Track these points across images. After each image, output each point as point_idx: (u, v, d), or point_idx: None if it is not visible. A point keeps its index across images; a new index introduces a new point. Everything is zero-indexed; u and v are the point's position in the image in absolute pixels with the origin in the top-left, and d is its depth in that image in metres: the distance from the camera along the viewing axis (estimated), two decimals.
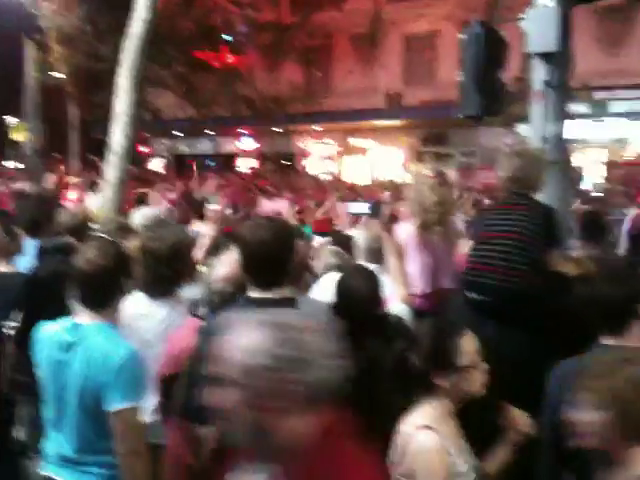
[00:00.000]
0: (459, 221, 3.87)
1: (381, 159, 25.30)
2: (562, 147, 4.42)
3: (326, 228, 6.41)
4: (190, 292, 3.16)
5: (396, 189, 17.03)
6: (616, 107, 19.27)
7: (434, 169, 3.68)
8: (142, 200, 8.06)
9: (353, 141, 25.32)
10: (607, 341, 2.38)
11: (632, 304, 2.34)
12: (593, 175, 20.85)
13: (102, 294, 2.63)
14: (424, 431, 2.12)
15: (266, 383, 1.34)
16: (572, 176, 19.98)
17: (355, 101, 23.03)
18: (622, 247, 9.14)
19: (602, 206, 14.97)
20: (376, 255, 3.38)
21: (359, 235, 3.53)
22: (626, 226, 9.57)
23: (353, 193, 14.30)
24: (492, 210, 3.51)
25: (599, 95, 18.73)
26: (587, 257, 4.05)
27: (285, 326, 1.40)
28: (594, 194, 17.38)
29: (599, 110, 19.28)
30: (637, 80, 18.43)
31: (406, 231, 3.66)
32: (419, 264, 3.59)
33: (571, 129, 18.60)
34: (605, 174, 20.82)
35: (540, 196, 3.48)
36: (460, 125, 19.50)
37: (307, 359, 1.35)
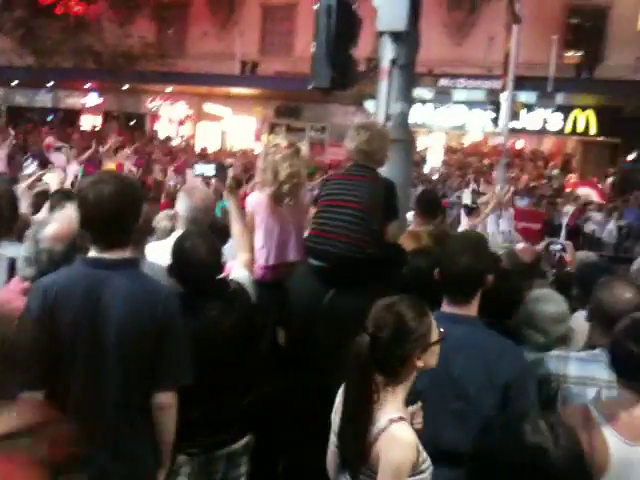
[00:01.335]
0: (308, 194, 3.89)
1: (234, 127, 25.02)
2: (406, 126, 4.60)
3: None
4: (13, 250, 2.90)
5: (244, 155, 16.92)
6: (458, 95, 20.45)
7: (289, 140, 3.67)
8: None
9: (207, 107, 24.78)
10: (449, 310, 2.47)
11: (476, 276, 2.48)
12: (434, 159, 22.10)
13: None
14: (399, 423, 1.98)
15: None
16: (414, 158, 21.04)
17: (210, 65, 22.48)
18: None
19: (441, 188, 16.00)
20: (201, 224, 3.25)
21: (181, 202, 3.37)
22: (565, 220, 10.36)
23: (203, 159, 14.04)
24: (335, 179, 3.56)
25: (443, 82, 19.75)
26: (423, 232, 4.28)
27: None
28: (434, 176, 18.48)
29: (443, 97, 20.34)
30: (478, 70, 19.66)
31: (256, 201, 3.63)
32: (268, 235, 3.58)
33: (416, 113, 19.40)
34: (444, 158, 22.16)
35: (382, 171, 3.59)
36: (314, 100, 19.77)
37: None
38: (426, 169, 20.32)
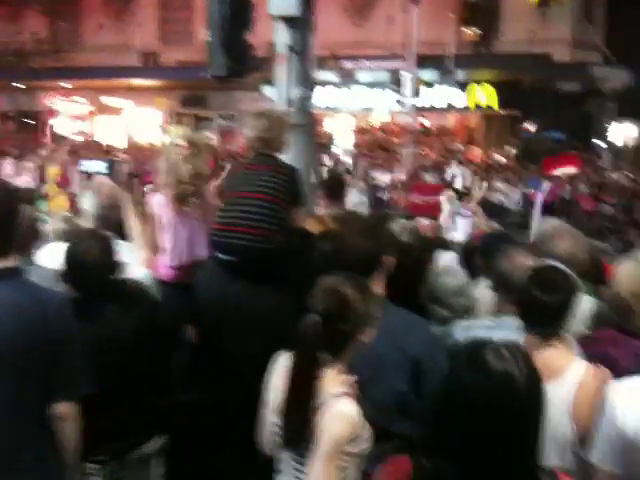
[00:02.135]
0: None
1: (137, 120, 24.30)
2: (307, 111, 4.58)
3: None
4: None
5: (138, 149, 16.51)
6: (362, 77, 20.65)
7: (187, 139, 3.59)
8: None
9: (106, 100, 23.93)
10: None
11: (370, 258, 2.50)
12: (343, 141, 22.28)
13: None
14: (342, 398, 2.04)
15: None
16: (322, 141, 21.16)
17: (108, 58, 21.73)
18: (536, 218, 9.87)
19: (353, 170, 16.15)
20: (109, 221, 3.16)
21: (87, 200, 3.26)
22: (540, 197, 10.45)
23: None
24: (240, 171, 3.51)
25: (347, 64, 19.88)
26: (330, 215, 4.27)
27: None
28: (344, 158, 18.62)
29: (347, 79, 20.50)
30: (380, 51, 19.91)
31: (160, 202, 3.53)
32: (176, 235, 3.49)
33: (322, 96, 19.49)
34: (354, 140, 22.36)
35: (285, 157, 3.56)
36: (220, 88, 19.47)
37: None
38: (335, 150, 20.46)
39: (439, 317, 2.87)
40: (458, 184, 12.79)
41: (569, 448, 2.17)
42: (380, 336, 2.33)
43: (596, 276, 3.26)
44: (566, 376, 2.18)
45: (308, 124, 4.40)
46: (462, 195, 7.50)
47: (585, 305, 2.99)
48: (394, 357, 2.39)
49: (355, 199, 9.56)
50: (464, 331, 2.58)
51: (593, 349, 2.63)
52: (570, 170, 6.45)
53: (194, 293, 3.34)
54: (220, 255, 3.28)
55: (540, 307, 2.19)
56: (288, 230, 3.32)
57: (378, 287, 2.49)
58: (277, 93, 4.56)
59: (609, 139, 21.01)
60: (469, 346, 1.59)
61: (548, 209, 8.52)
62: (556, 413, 2.10)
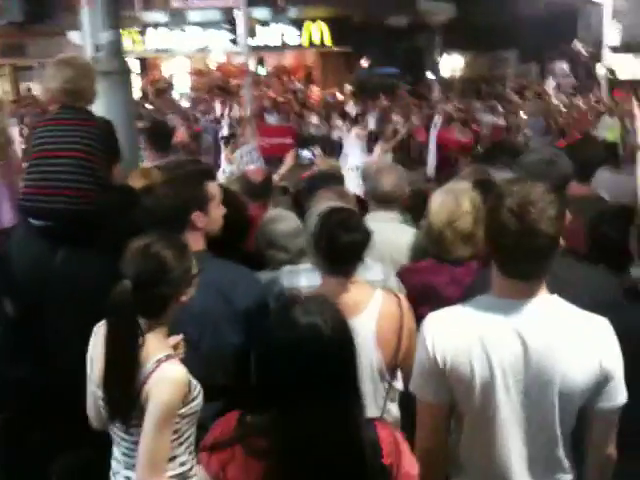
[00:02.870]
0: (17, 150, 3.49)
1: None
2: (119, 56, 4.27)
3: None
4: None
5: None
6: (194, 16, 19.89)
7: None
8: None
9: None
10: None
11: (187, 210, 2.40)
12: (181, 84, 21.53)
13: None
14: (167, 362, 1.95)
15: None
16: (161, 86, 20.32)
17: None
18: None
19: (190, 114, 15.67)
20: None
21: None
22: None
23: None
24: (44, 126, 3.21)
25: (176, 4, 19.02)
26: (154, 167, 4.08)
27: None
28: (183, 103, 18.03)
29: (177, 19, 19.66)
30: None
31: None
32: None
33: (154, 38, 18.55)
34: (190, 83, 21.68)
35: (97, 108, 3.31)
36: (39, 34, 17.93)
37: None
38: (175, 95, 19.74)
39: (277, 261, 2.87)
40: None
41: (378, 377, 2.28)
42: (206, 291, 2.28)
43: (419, 209, 3.40)
44: (368, 308, 2.27)
45: (121, 71, 4.12)
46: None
47: (406, 237, 3.13)
48: (222, 310, 2.36)
49: None
50: (290, 276, 2.59)
51: (414, 279, 2.76)
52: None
53: (7, 264, 3.08)
54: (33, 221, 3.03)
55: (342, 248, 2.22)
56: (107, 188, 3.13)
57: (196, 243, 2.41)
58: (83, 38, 4.20)
59: (439, 72, 22.00)
60: (281, 304, 1.68)
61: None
62: (364, 345, 2.18)
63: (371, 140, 9.81)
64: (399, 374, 2.39)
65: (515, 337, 1.76)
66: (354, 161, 8.23)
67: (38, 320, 3.01)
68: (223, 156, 7.93)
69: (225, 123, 12.22)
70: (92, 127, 3.11)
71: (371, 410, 2.25)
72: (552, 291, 1.82)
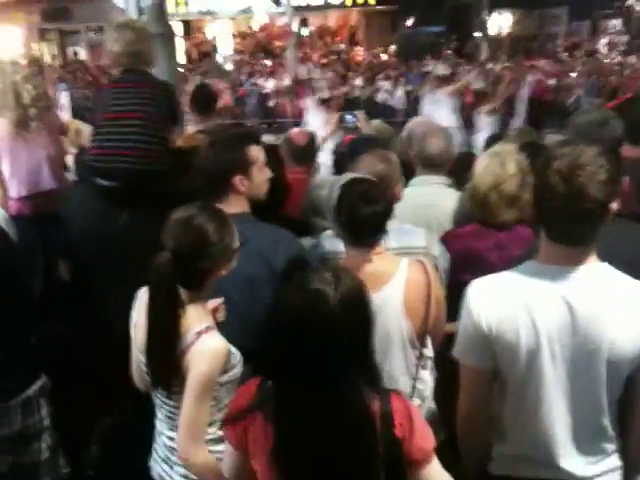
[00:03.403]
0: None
1: None
2: (162, 19, 4.27)
3: None
4: None
5: None
6: None
7: (27, 56, 3.28)
8: None
9: None
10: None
11: (228, 173, 2.41)
12: (224, 47, 21.44)
13: None
14: (207, 334, 1.95)
15: None
16: (204, 49, 20.22)
17: None
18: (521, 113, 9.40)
19: (235, 77, 15.63)
20: None
21: None
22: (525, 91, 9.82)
23: None
24: (111, 89, 3.26)
25: None
26: (199, 131, 4.10)
27: None
28: (225, 66, 17.97)
29: None
30: None
31: None
32: (15, 163, 3.22)
33: (197, 1, 18.42)
34: (235, 46, 21.56)
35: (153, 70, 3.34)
36: None
37: None
38: (218, 59, 19.69)
39: (321, 229, 2.85)
40: None
41: (409, 346, 2.25)
42: (249, 255, 2.29)
43: (465, 173, 3.34)
44: (394, 279, 2.21)
45: (166, 34, 4.12)
46: None
47: (452, 201, 3.08)
48: (263, 274, 2.36)
49: None
50: (331, 240, 2.58)
51: (458, 244, 2.72)
52: None
53: (65, 225, 3.14)
54: (100, 181, 3.08)
55: (362, 220, 2.14)
56: (168, 150, 3.16)
57: (239, 206, 2.41)
58: (127, 1, 4.21)
59: (487, 30, 21.34)
60: (302, 271, 1.61)
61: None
62: (393, 315, 2.17)
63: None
64: (429, 341, 2.37)
65: (562, 304, 1.72)
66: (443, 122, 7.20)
67: (92, 279, 3.09)
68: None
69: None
70: (153, 89, 3.15)
71: (403, 378, 2.26)
72: (602, 257, 1.77)
